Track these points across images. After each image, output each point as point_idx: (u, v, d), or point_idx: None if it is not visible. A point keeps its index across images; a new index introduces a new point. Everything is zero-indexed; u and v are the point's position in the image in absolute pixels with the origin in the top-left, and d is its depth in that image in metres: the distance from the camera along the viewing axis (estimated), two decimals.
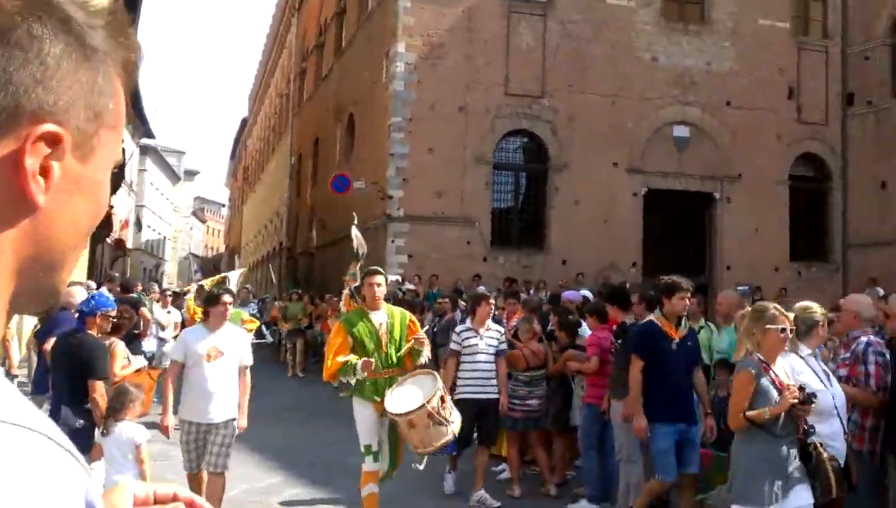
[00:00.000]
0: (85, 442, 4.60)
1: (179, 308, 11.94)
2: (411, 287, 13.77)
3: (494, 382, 6.38)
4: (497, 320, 7.42)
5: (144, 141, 42.80)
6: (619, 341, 6.30)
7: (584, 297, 6.51)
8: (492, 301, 6.66)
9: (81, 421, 4.61)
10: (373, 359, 5.19)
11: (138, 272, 33.22)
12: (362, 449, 5.46)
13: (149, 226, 51.43)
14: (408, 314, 5.75)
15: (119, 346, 5.71)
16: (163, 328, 10.88)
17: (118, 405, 4.56)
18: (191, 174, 73.36)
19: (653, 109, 20.25)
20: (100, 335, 5.14)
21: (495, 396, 6.35)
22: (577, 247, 19.19)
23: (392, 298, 11.21)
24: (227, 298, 5.40)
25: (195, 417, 5.23)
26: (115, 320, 5.35)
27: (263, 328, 13.48)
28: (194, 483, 5.25)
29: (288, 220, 34.34)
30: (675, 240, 20.29)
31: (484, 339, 6.41)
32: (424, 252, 18.00)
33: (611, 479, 6.36)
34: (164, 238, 57.94)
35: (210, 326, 5.37)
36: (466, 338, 6.44)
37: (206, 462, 5.25)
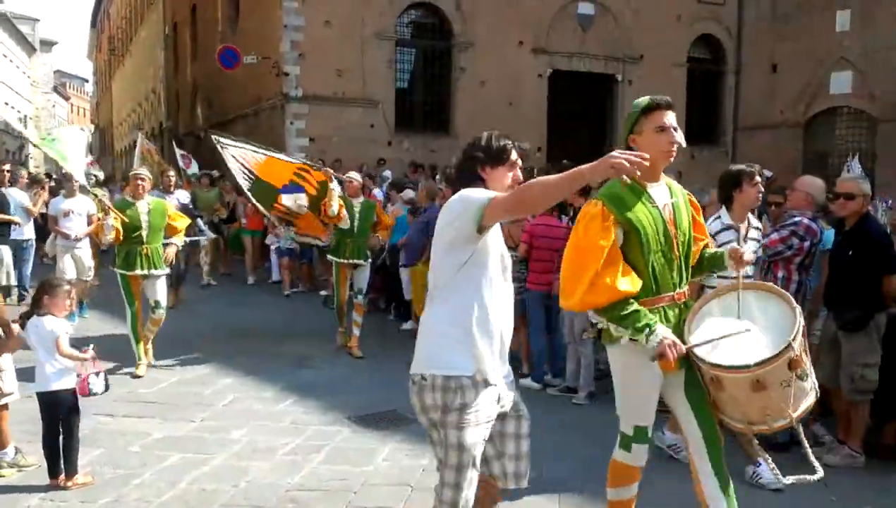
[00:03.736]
0: None
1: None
2: None
3: None
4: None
5: None
6: None
7: None
8: (758, 178, 4.45)
9: None
10: (676, 342, 2.80)
11: (0, 155, 29.98)
12: (628, 432, 3.08)
13: (6, 104, 46.64)
14: (685, 191, 3.19)
15: None
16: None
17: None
18: (47, 45, 66.60)
19: None
20: None
21: None
22: (483, 130, 18.51)
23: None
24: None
25: None
26: None
27: (199, 221, 10.38)
28: None
29: (167, 98, 31.85)
30: (578, 123, 20.17)
31: (748, 242, 4.42)
32: (326, 134, 17.04)
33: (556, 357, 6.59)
34: (26, 116, 52.73)
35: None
36: (724, 241, 4.29)
37: None
